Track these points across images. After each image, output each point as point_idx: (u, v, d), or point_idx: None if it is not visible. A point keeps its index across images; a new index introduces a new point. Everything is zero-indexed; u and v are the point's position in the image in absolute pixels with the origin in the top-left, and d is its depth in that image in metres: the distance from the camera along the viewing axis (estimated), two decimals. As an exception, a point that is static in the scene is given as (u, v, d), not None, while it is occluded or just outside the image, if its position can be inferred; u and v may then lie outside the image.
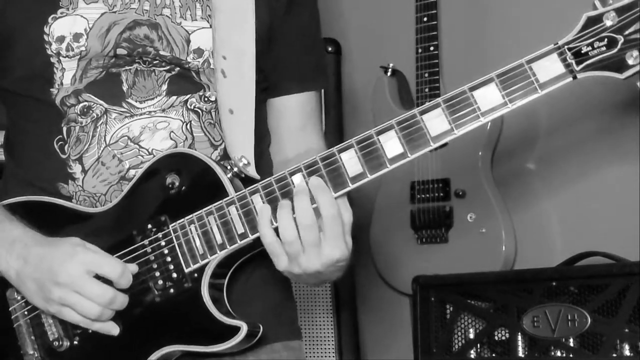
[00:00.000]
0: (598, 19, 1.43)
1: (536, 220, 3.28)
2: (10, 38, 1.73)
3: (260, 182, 1.57)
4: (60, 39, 1.70)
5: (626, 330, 2.43)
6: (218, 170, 1.61)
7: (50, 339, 1.67)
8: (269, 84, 1.82)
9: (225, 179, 1.61)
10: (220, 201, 1.59)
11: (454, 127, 1.49)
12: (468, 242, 3.16)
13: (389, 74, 3.40)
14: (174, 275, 1.62)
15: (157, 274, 1.63)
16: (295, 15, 1.81)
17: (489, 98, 1.47)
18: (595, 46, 1.43)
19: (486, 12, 3.44)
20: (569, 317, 2.50)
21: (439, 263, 3.15)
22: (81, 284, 1.58)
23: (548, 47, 1.45)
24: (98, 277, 1.60)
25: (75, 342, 1.66)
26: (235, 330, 1.58)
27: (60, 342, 1.66)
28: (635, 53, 1.40)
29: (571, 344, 2.51)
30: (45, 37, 1.71)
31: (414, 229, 3.28)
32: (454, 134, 1.49)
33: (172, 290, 1.62)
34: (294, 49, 1.82)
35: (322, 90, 1.99)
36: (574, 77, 1.44)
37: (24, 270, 1.62)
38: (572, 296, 2.53)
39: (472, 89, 1.48)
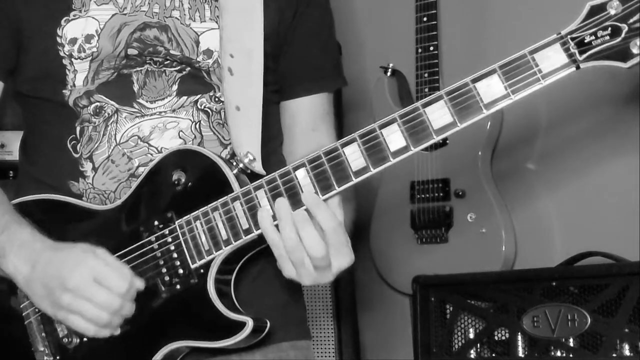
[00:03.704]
0: (602, 7, 1.41)
1: (536, 220, 3.28)
2: (25, 40, 1.74)
3: (265, 178, 1.57)
4: (73, 41, 1.72)
5: (626, 330, 2.43)
6: (223, 166, 1.61)
7: (60, 336, 1.68)
8: (282, 86, 1.82)
9: (230, 174, 1.61)
10: (225, 197, 1.59)
11: (456, 120, 1.47)
12: (468, 242, 3.17)
13: (389, 74, 3.40)
14: (180, 271, 1.62)
15: (164, 270, 1.63)
16: (306, 17, 1.81)
17: (491, 90, 1.45)
18: (599, 35, 1.40)
19: (486, 12, 3.44)
20: (569, 317, 2.50)
21: (439, 263, 3.15)
22: (90, 290, 1.58)
23: (551, 37, 1.43)
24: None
25: (85, 339, 1.67)
26: (242, 325, 1.58)
27: (70, 339, 1.67)
28: (639, 42, 1.38)
29: (571, 344, 2.51)
30: (58, 39, 1.72)
31: (414, 229, 3.28)
32: (457, 127, 1.47)
33: (178, 287, 1.62)
34: (306, 50, 1.82)
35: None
36: (577, 67, 1.42)
37: (33, 275, 1.62)
38: (572, 296, 2.53)
39: (475, 80, 1.46)
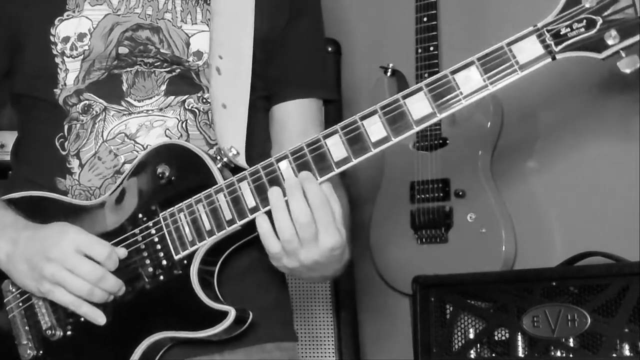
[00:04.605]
0: (577, 0, 1.45)
1: (536, 220, 3.28)
2: (21, 41, 1.77)
3: (248, 170, 1.59)
4: (65, 39, 1.74)
5: (626, 330, 2.43)
6: (207, 159, 1.63)
7: (43, 328, 1.69)
8: (271, 92, 1.84)
9: (214, 167, 1.63)
10: (209, 189, 1.61)
11: (436, 110, 1.51)
12: (468, 242, 3.17)
13: (389, 74, 3.40)
14: (164, 262, 1.64)
15: (148, 261, 1.65)
16: (298, 24, 1.83)
17: (470, 80, 1.49)
18: (574, 27, 1.44)
19: (485, 12, 3.44)
20: (569, 317, 2.50)
21: (439, 263, 3.15)
22: (72, 260, 1.61)
23: (527, 30, 1.47)
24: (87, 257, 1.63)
25: (68, 332, 1.69)
26: (224, 315, 1.59)
27: (53, 332, 1.68)
28: (613, 33, 1.42)
29: (571, 344, 2.51)
30: (51, 38, 1.75)
31: (414, 229, 3.28)
32: (436, 117, 1.51)
33: (162, 277, 1.64)
34: (296, 57, 1.83)
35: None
36: (553, 58, 1.46)
37: (15, 252, 1.65)
38: (572, 296, 2.53)
39: (454, 72, 1.50)
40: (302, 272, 1.60)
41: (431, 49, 3.25)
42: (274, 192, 1.54)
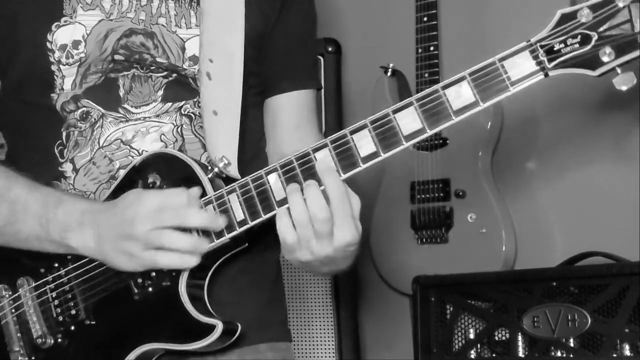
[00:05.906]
0: (572, 15, 1.41)
1: (536, 220, 3.28)
2: (17, 46, 1.76)
3: (237, 182, 1.58)
4: (63, 47, 1.73)
5: (626, 330, 2.43)
6: (198, 170, 1.63)
7: (34, 336, 1.69)
8: (264, 86, 1.83)
9: (204, 178, 1.62)
10: (199, 200, 1.60)
11: (426, 126, 1.49)
12: (468, 242, 3.16)
13: (389, 74, 3.40)
14: (153, 273, 1.63)
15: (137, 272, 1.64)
16: (290, 19, 1.82)
17: (461, 96, 1.47)
18: (569, 43, 1.41)
19: (485, 12, 3.44)
20: (569, 317, 2.50)
21: (439, 263, 3.15)
22: (160, 217, 1.56)
23: (520, 45, 1.44)
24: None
25: (59, 340, 1.69)
26: (212, 328, 1.59)
27: (44, 340, 1.69)
28: (608, 50, 1.38)
29: (571, 344, 2.51)
30: (48, 45, 1.73)
31: (414, 229, 3.28)
32: (426, 133, 1.49)
33: (150, 289, 1.64)
34: (288, 50, 1.83)
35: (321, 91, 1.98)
36: (546, 75, 1.43)
37: (102, 237, 1.60)
38: (572, 296, 2.53)
39: (445, 87, 1.47)
40: (314, 267, 1.58)
41: (431, 48, 3.24)
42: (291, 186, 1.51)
